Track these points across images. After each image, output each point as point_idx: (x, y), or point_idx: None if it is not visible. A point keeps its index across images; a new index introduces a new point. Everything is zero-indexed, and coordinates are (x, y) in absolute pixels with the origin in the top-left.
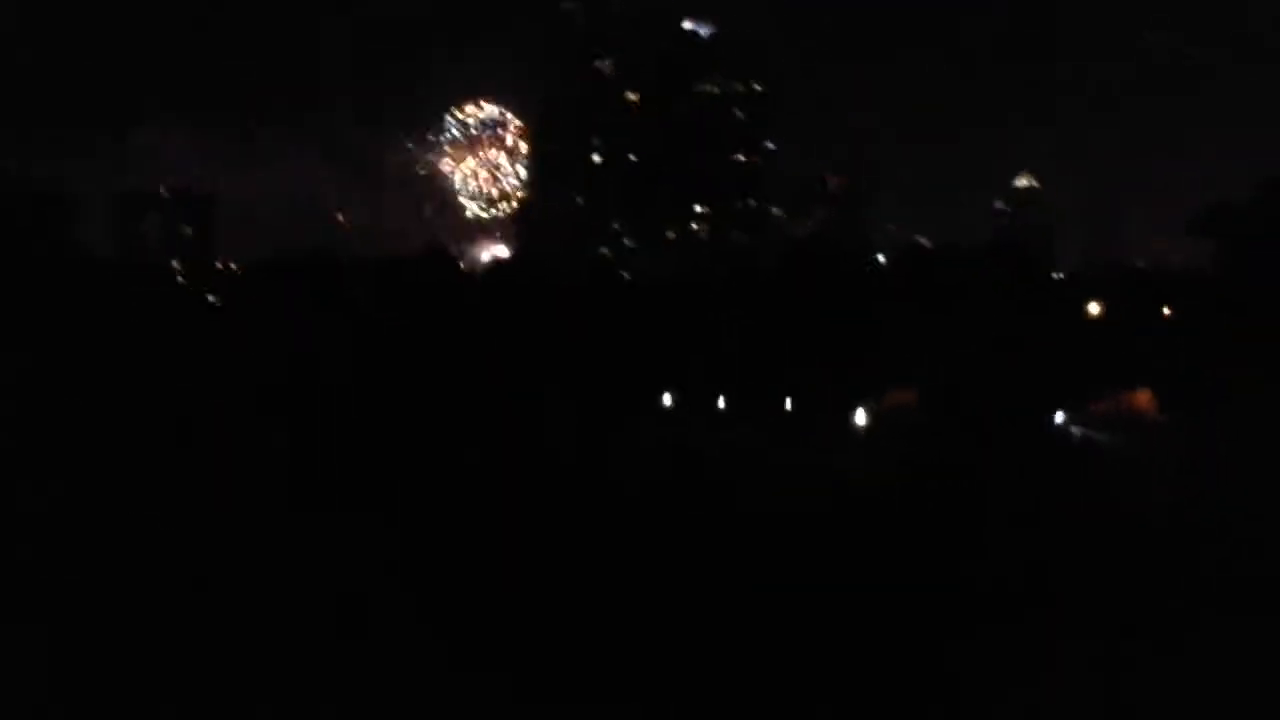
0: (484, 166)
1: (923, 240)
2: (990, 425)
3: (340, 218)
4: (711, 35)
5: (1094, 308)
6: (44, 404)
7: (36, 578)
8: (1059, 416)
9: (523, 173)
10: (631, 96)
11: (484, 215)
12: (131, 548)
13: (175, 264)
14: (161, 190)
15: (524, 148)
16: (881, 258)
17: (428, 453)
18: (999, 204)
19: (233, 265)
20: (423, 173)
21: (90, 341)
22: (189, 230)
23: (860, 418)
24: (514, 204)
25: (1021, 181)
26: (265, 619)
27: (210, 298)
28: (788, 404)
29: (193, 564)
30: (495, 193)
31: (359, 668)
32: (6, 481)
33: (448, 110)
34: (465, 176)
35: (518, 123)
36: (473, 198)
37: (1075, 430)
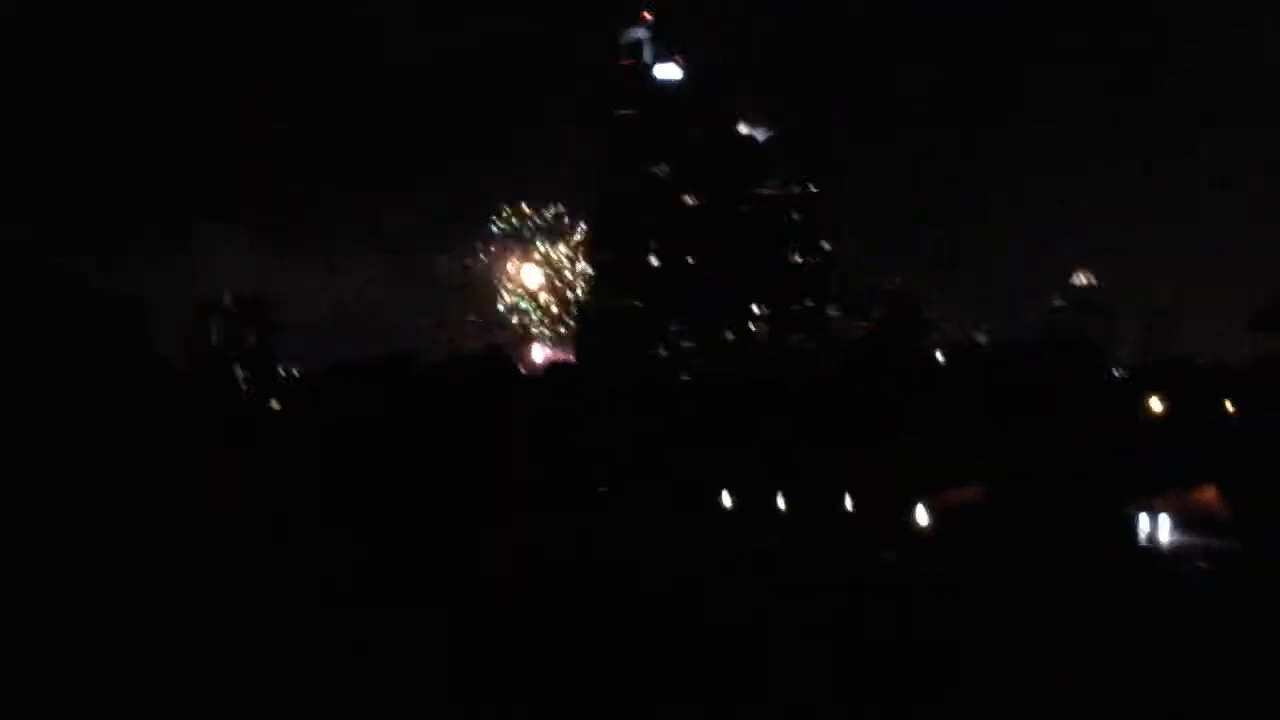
0: (541, 270)
1: (980, 337)
2: (1062, 523)
3: (399, 324)
4: (768, 140)
5: (1156, 404)
6: (113, 509)
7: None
8: (1150, 519)
9: (579, 275)
10: (688, 200)
11: (541, 319)
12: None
13: (239, 370)
14: (225, 299)
15: (580, 251)
16: (940, 356)
17: (481, 551)
18: (1057, 301)
19: (294, 371)
20: (479, 277)
21: (157, 447)
22: (252, 337)
23: (921, 516)
24: (571, 307)
25: (1079, 279)
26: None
27: (272, 403)
28: (847, 503)
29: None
30: (553, 296)
31: None
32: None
33: (502, 214)
34: (521, 281)
35: (575, 226)
36: (529, 301)
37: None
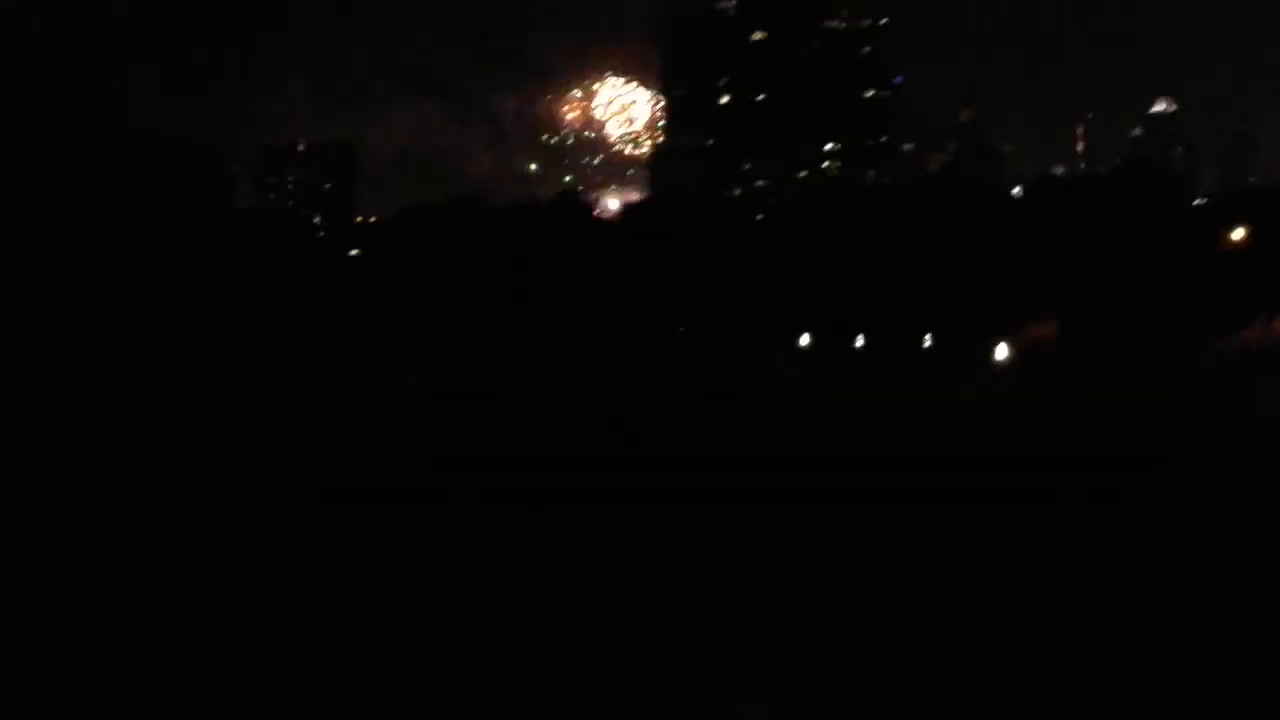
0: (613, 113)
1: (1058, 170)
2: (1139, 354)
3: (461, 165)
4: None
5: (1237, 233)
6: (194, 358)
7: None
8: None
9: (652, 116)
10: (758, 35)
11: (616, 160)
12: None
13: (316, 218)
14: (300, 145)
15: (652, 92)
16: (1018, 189)
17: (563, 400)
18: (1136, 130)
19: (372, 218)
20: (552, 120)
21: (240, 294)
22: (328, 184)
23: (1001, 352)
24: (645, 148)
25: (1159, 106)
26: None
27: (352, 250)
28: (927, 340)
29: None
30: (626, 137)
31: None
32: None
33: (573, 57)
34: (594, 123)
35: (644, 67)
36: (604, 143)
37: None
